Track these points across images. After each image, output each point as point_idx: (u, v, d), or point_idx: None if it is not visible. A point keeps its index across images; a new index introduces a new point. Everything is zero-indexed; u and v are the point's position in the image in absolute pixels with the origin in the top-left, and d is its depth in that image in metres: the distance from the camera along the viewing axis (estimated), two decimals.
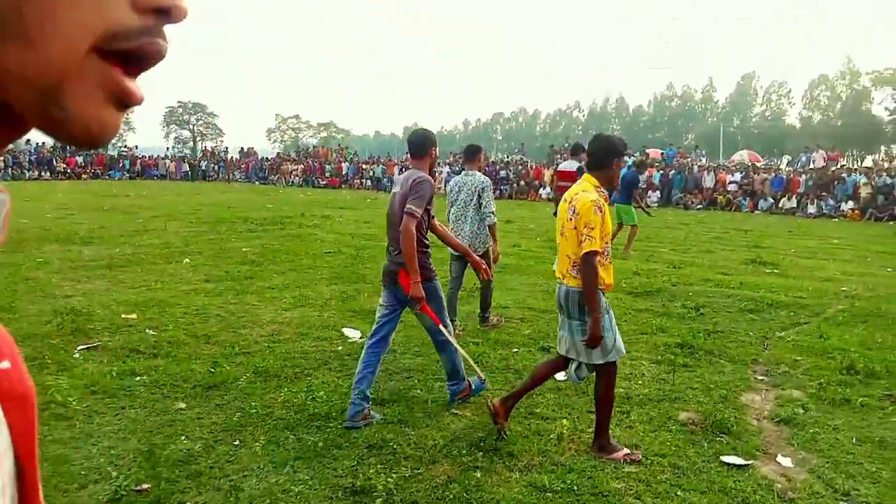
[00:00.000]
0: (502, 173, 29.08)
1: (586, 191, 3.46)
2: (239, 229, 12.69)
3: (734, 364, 5.20)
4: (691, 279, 8.63)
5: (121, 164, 40.15)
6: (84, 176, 37.15)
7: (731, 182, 23.52)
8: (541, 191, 26.80)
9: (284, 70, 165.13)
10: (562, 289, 3.54)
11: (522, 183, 27.81)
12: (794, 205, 21.79)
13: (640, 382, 4.74)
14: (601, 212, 3.35)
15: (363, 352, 3.90)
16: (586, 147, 3.72)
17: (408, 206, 3.66)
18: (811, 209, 20.95)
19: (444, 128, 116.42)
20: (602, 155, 3.53)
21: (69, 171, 36.89)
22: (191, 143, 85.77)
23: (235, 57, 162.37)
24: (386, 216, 4.03)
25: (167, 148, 58.72)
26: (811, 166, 23.71)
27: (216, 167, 41.09)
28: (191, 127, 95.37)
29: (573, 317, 3.48)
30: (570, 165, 8.92)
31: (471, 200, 5.77)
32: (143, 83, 0.41)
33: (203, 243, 10.78)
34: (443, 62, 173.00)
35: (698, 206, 23.38)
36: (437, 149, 4.05)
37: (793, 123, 74.68)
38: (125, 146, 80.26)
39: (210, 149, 47.49)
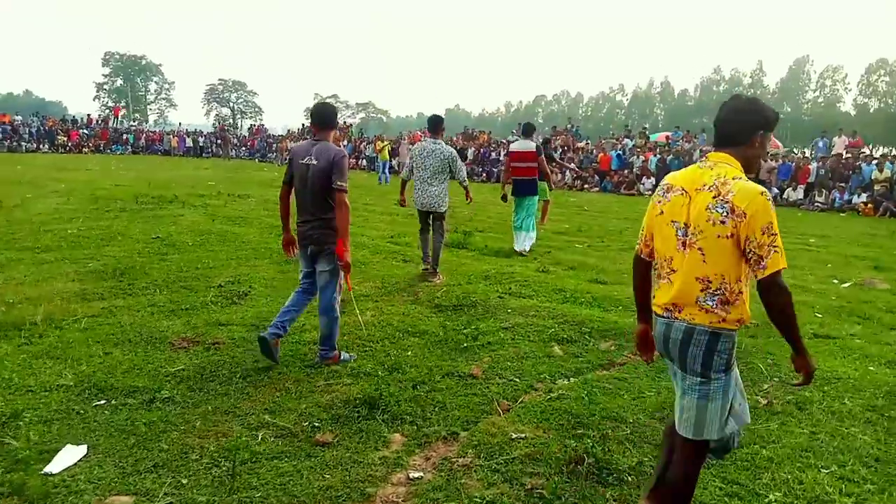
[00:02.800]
0: (492, 154, 27.09)
1: (739, 178, 2.21)
2: (106, 208, 11.26)
3: None
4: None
5: (125, 139, 39.89)
6: (85, 150, 36.88)
7: None
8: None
9: (325, 49, 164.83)
10: (678, 327, 2.27)
11: None
12: (801, 196, 19.12)
13: None
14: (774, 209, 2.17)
15: (293, 296, 4.30)
16: (726, 111, 2.38)
17: (339, 183, 3.96)
18: (819, 201, 18.29)
19: (486, 110, 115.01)
20: (744, 126, 2.29)
21: (70, 144, 36.67)
22: (230, 121, 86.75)
23: (276, 35, 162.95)
24: (291, 185, 4.20)
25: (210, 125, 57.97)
26: (830, 154, 20.83)
27: (216, 144, 40.29)
28: (231, 104, 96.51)
29: (695, 371, 2.26)
30: (525, 145, 8.41)
31: (440, 168, 6.57)
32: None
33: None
34: (485, 43, 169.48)
35: None
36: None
37: (848, 111, 69.59)
38: (165, 122, 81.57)
39: (220, 125, 46.73)
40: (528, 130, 9.02)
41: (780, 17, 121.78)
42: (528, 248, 8.48)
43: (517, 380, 4.01)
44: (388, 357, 4.34)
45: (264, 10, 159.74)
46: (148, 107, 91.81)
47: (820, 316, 5.84)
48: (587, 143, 26.45)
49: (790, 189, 19.38)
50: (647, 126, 28.10)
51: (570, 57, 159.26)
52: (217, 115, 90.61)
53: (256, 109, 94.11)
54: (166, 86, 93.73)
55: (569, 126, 29.74)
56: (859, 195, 17.70)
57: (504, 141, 28.97)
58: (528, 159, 8.39)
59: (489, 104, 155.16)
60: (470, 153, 27.88)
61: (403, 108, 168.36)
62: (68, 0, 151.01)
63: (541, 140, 12.07)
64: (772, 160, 20.32)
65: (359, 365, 4.17)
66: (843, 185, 18.19)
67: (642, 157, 22.72)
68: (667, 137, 25.43)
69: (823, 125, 61.36)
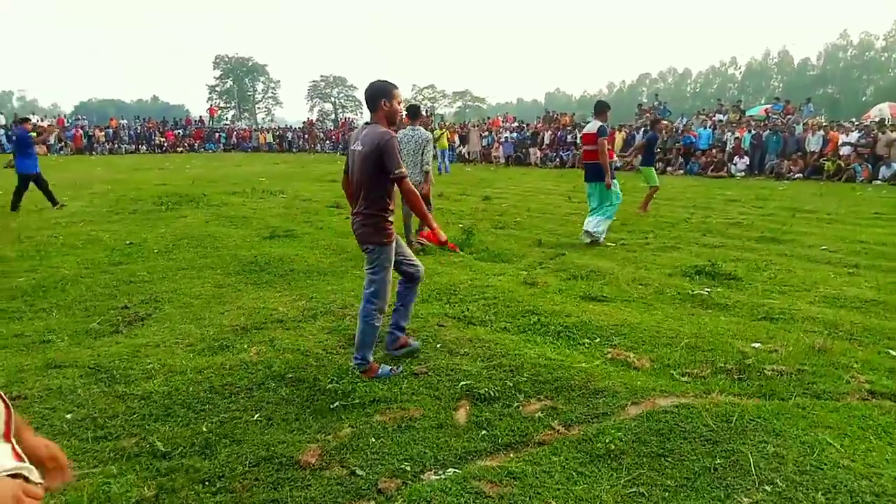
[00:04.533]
0: (568, 137, 25.16)
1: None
2: (117, 211, 10.91)
3: None
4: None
5: (217, 137, 41.40)
6: (180, 149, 38.54)
7: (843, 144, 17.86)
8: None
9: (422, 40, 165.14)
10: None
11: None
12: None
13: None
14: None
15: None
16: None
17: (395, 172, 3.51)
18: None
19: (587, 91, 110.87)
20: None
21: (166, 144, 38.44)
22: (332, 116, 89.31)
23: (375, 29, 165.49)
24: (346, 177, 3.85)
25: (314, 120, 59.04)
26: None
27: (302, 138, 40.88)
28: (332, 100, 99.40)
29: None
30: (591, 127, 7.93)
31: (417, 151, 7.08)
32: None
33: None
34: (585, 22, 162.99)
35: (797, 175, 18.11)
36: (395, 101, 3.59)
37: None
38: (272, 119, 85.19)
39: (308, 121, 47.48)
40: (598, 109, 8.04)
41: None
42: (595, 233, 7.84)
43: (362, 472, 2.72)
44: (200, 418, 3.19)
45: (361, 3, 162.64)
46: (256, 105, 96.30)
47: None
48: (673, 122, 23.89)
49: None
50: (809, 98, 24.72)
51: (676, 31, 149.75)
52: (320, 110, 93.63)
53: (357, 104, 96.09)
54: (272, 85, 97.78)
55: (655, 104, 27.10)
56: None
57: (582, 122, 26.89)
58: (590, 142, 7.84)
59: (591, 86, 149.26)
60: (547, 137, 26.10)
61: (502, 94, 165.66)
62: (181, 10, 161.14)
63: (648, 121, 11.69)
64: (891, 130, 17.13)
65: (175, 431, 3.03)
66: None
67: (735, 134, 20.03)
68: (766, 111, 22.39)
69: None
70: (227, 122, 47.13)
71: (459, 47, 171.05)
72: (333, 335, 4.42)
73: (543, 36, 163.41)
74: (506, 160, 25.54)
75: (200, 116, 48.65)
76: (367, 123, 3.68)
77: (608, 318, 4.69)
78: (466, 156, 27.23)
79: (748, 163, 19.31)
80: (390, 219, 3.68)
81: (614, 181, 7.93)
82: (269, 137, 41.09)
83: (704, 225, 9.50)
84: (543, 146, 25.71)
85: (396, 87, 3.58)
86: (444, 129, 21.32)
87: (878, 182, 16.56)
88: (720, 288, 5.74)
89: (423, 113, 8.36)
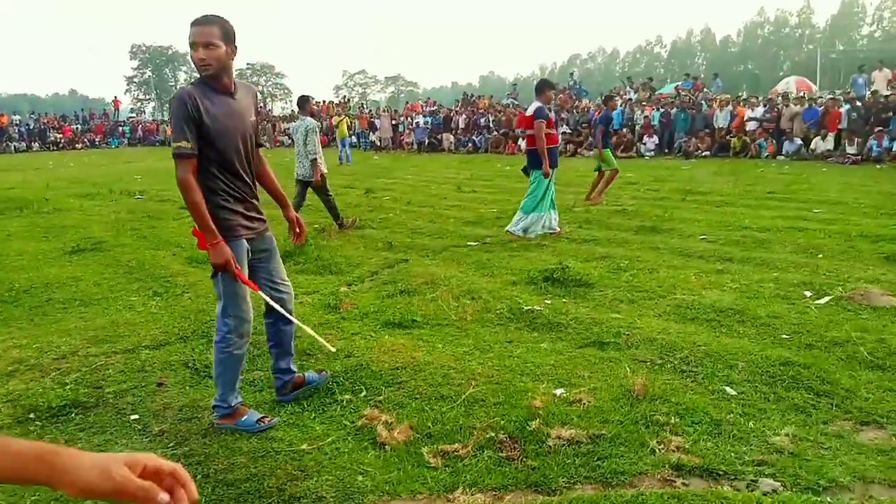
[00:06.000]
0: (482, 121, 24.24)
1: None
2: None
3: None
4: None
5: (121, 132, 38.67)
6: (79, 145, 35.78)
7: (749, 119, 17.54)
8: (520, 142, 21.79)
9: (352, 24, 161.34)
10: None
11: (496, 133, 22.86)
12: (831, 146, 15.74)
13: None
14: None
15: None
16: None
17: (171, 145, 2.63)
18: (850, 151, 14.91)
19: (521, 74, 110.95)
20: None
21: (63, 141, 35.56)
22: (261, 105, 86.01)
23: (302, 14, 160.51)
24: None
25: None
26: (868, 92, 17.18)
27: None
28: (260, 88, 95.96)
29: None
30: (529, 109, 7.18)
31: (302, 140, 7.44)
32: None
33: None
34: (516, 4, 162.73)
35: (704, 153, 17.71)
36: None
37: None
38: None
39: None
40: (538, 88, 7.24)
41: None
42: (517, 230, 7.16)
43: None
44: None
45: None
46: None
47: (733, 390, 3.18)
48: (589, 101, 23.29)
49: (818, 138, 15.96)
50: (717, 74, 24.50)
51: (604, 12, 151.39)
52: None
53: (286, 92, 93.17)
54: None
55: (570, 83, 26.46)
56: None
57: (499, 105, 26.04)
58: (528, 125, 7.08)
59: (524, 68, 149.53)
60: (461, 121, 25.11)
61: (436, 79, 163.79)
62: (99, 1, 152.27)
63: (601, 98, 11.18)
64: (794, 104, 16.88)
65: None
66: (880, 129, 14.71)
67: (644, 113, 19.51)
68: (676, 88, 22.02)
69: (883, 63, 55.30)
70: (133, 116, 44.09)
71: (392, 32, 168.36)
72: (7, 406, 3.24)
73: (477, 19, 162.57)
74: (418, 146, 24.44)
75: (104, 110, 45.56)
76: None
77: (395, 355, 3.68)
78: (378, 143, 25.98)
79: (657, 142, 18.82)
80: (225, 207, 2.75)
81: (552, 170, 7.06)
82: None
83: (587, 214, 8.68)
84: (458, 131, 24.72)
85: (193, 25, 2.61)
86: (342, 116, 19.97)
87: (782, 157, 16.29)
88: (564, 298, 4.84)
89: (312, 102, 8.24)
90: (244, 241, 2.82)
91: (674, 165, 15.67)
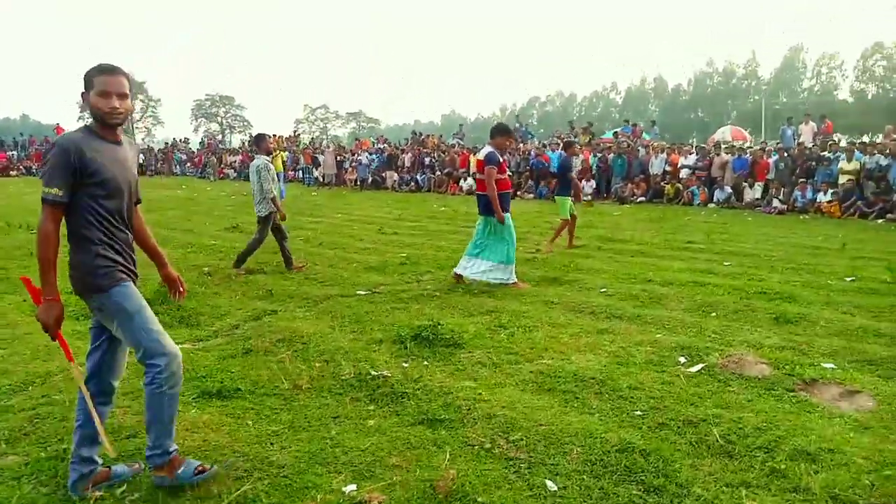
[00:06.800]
0: (426, 160, 24.07)
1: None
2: None
3: None
4: None
5: None
6: (13, 172, 34.34)
7: (682, 166, 17.73)
8: (462, 182, 21.67)
9: (314, 60, 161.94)
10: None
11: (439, 173, 22.71)
12: (759, 195, 15.95)
13: None
14: None
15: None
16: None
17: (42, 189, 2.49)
18: (776, 203, 15.10)
19: (482, 115, 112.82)
20: None
21: None
22: (220, 136, 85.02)
23: (264, 48, 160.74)
24: None
25: (197, 142, 54.26)
26: (795, 143, 17.59)
27: (155, 160, 37.70)
28: (219, 119, 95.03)
29: None
30: (481, 153, 6.94)
31: (256, 179, 7.54)
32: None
33: None
34: (479, 46, 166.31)
35: (639, 199, 17.79)
36: (93, 92, 2.56)
37: (846, 98, 66.05)
38: (153, 140, 79.91)
39: (156, 144, 44.32)
40: (492, 133, 6.99)
41: (773, 5, 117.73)
42: (469, 276, 6.96)
43: None
44: None
45: (251, 23, 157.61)
46: (134, 125, 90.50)
47: (555, 485, 2.79)
48: (534, 143, 23.38)
49: (747, 186, 16.18)
50: (654, 121, 25.05)
51: (563, 57, 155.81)
52: (206, 130, 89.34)
53: (245, 124, 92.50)
54: (152, 103, 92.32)
55: (517, 125, 26.62)
56: (825, 192, 14.49)
57: (443, 144, 25.97)
58: (480, 169, 6.81)
59: (485, 108, 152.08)
60: (407, 160, 24.90)
61: (398, 116, 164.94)
62: (55, 24, 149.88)
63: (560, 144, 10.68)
64: (726, 153, 17.15)
65: None
66: (804, 180, 14.97)
67: (581, 157, 19.58)
68: (616, 133, 22.30)
69: (821, 114, 57.89)
70: None
71: (354, 68, 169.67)
72: None
73: (440, 59, 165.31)
74: (360, 183, 24.09)
75: (45, 136, 44.08)
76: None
77: (188, 436, 3.18)
78: (321, 179, 25.54)
79: (594, 186, 18.87)
80: (105, 256, 2.62)
81: (506, 215, 6.76)
82: None
83: None
84: (403, 169, 24.48)
85: (104, 73, 2.55)
86: (277, 151, 19.48)
87: (713, 205, 16.44)
88: (426, 361, 4.43)
89: (269, 140, 8.55)
90: (131, 282, 2.70)
91: (605, 211, 15.62)
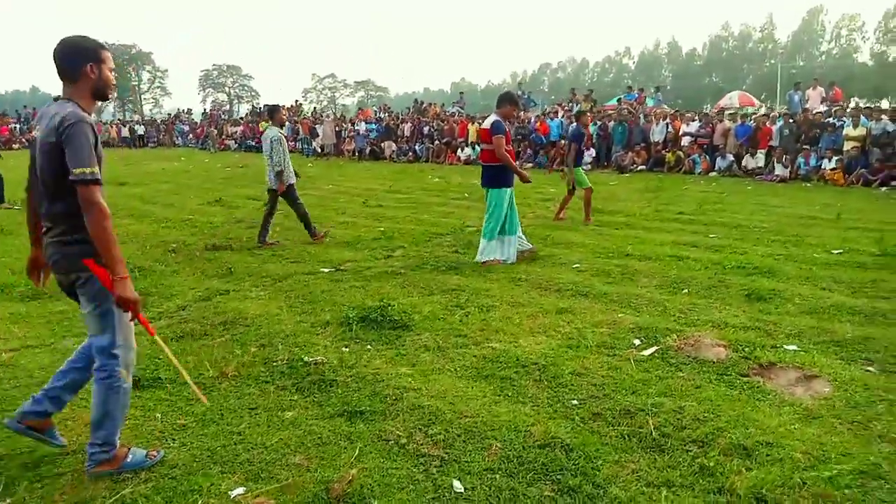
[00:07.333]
0: (425, 129, 23.66)
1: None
2: None
3: None
4: None
5: None
6: (15, 145, 34.29)
7: (684, 134, 17.24)
8: (459, 152, 21.29)
9: (322, 28, 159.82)
10: None
11: (438, 143, 22.32)
12: (761, 163, 15.48)
13: None
14: None
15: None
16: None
17: (74, 171, 2.38)
18: (779, 170, 14.64)
19: (492, 81, 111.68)
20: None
21: (1, 140, 34.08)
22: (227, 107, 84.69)
23: (271, 16, 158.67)
24: (33, 178, 2.66)
25: (201, 112, 53.80)
26: (801, 109, 16.98)
27: (157, 132, 37.51)
28: (226, 90, 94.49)
29: None
30: (487, 122, 6.60)
31: (269, 150, 7.48)
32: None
33: None
34: (489, 11, 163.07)
35: (640, 167, 17.36)
36: (105, 65, 2.58)
37: (865, 61, 64.16)
38: (160, 111, 79.59)
39: (170, 117, 44.08)
40: (499, 101, 6.69)
41: None
42: (485, 261, 6.52)
43: None
44: None
45: None
46: (142, 96, 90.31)
47: (462, 485, 2.60)
48: (534, 112, 22.87)
49: (748, 155, 15.70)
50: (658, 87, 24.64)
51: (575, 21, 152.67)
52: (214, 100, 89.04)
53: (253, 94, 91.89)
54: (159, 74, 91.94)
55: (520, 93, 26.01)
56: (830, 159, 14.00)
57: (446, 112, 25.49)
58: (486, 139, 6.57)
59: (495, 75, 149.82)
60: (407, 129, 24.50)
61: (407, 84, 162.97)
62: None
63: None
64: (728, 120, 16.62)
65: None
66: (808, 148, 14.47)
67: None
68: (619, 101, 21.72)
69: (839, 78, 56.36)
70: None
71: (362, 36, 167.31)
72: None
73: (450, 25, 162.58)
74: (358, 154, 23.77)
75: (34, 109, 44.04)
76: (57, 98, 2.61)
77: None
78: (320, 150, 25.24)
79: (594, 155, 18.43)
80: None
81: (509, 189, 6.57)
82: (125, 131, 37.35)
83: (466, 238, 8.04)
84: (402, 139, 24.09)
85: (105, 48, 2.60)
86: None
87: (714, 174, 15.99)
88: (369, 345, 4.24)
89: (282, 111, 8.46)
90: None
91: (602, 181, 15.19)
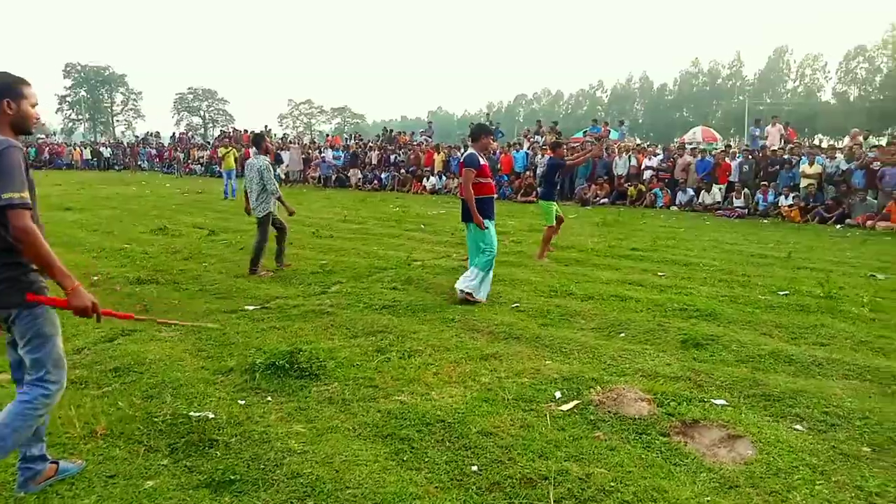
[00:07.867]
0: (392, 157, 23.50)
1: None
2: None
3: None
4: None
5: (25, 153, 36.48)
6: None
7: (645, 167, 17.28)
8: (425, 181, 21.14)
9: (299, 54, 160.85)
10: None
11: (404, 171, 22.16)
12: (718, 198, 15.53)
13: None
14: None
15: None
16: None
17: (3, 196, 2.39)
18: (738, 203, 14.69)
19: (468, 111, 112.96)
20: None
21: None
22: (202, 130, 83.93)
23: (248, 41, 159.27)
24: None
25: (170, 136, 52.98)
26: (760, 145, 17.16)
27: (122, 155, 36.88)
28: (201, 113, 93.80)
29: None
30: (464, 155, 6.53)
31: (254, 178, 7.48)
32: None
33: None
34: (467, 43, 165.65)
35: (602, 201, 17.32)
36: (24, 101, 2.62)
37: (828, 100, 66.22)
38: (133, 133, 78.50)
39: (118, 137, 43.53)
40: (472, 133, 6.63)
41: (758, 6, 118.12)
42: (465, 290, 6.19)
43: None
44: None
45: (235, 16, 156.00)
46: (115, 118, 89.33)
47: None
48: (501, 144, 22.86)
49: (704, 191, 15.75)
50: (623, 121, 24.97)
51: (550, 54, 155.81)
52: (188, 124, 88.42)
53: (228, 117, 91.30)
54: (133, 96, 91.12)
55: (488, 122, 26.06)
56: (787, 196, 14.09)
57: (414, 143, 25.39)
58: (460, 173, 6.65)
59: (472, 105, 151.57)
60: (374, 157, 24.32)
61: (384, 112, 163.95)
62: (33, 15, 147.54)
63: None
64: (688, 155, 16.71)
65: None
66: (766, 184, 14.56)
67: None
68: (584, 133, 21.83)
69: (804, 115, 57.94)
70: (42, 137, 41.73)
71: (340, 62, 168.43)
72: None
73: (429, 55, 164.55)
74: (324, 182, 23.50)
75: (62, 128, 43.18)
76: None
77: None
78: (284, 176, 24.90)
79: (559, 187, 18.34)
80: (32, 267, 2.60)
81: (490, 222, 6.24)
82: (87, 153, 36.65)
83: (408, 273, 7.73)
84: (368, 167, 23.88)
85: (27, 84, 2.65)
86: (229, 148, 18.75)
87: (674, 208, 16.00)
88: (269, 397, 3.90)
89: (267, 140, 8.28)
90: None
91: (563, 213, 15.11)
